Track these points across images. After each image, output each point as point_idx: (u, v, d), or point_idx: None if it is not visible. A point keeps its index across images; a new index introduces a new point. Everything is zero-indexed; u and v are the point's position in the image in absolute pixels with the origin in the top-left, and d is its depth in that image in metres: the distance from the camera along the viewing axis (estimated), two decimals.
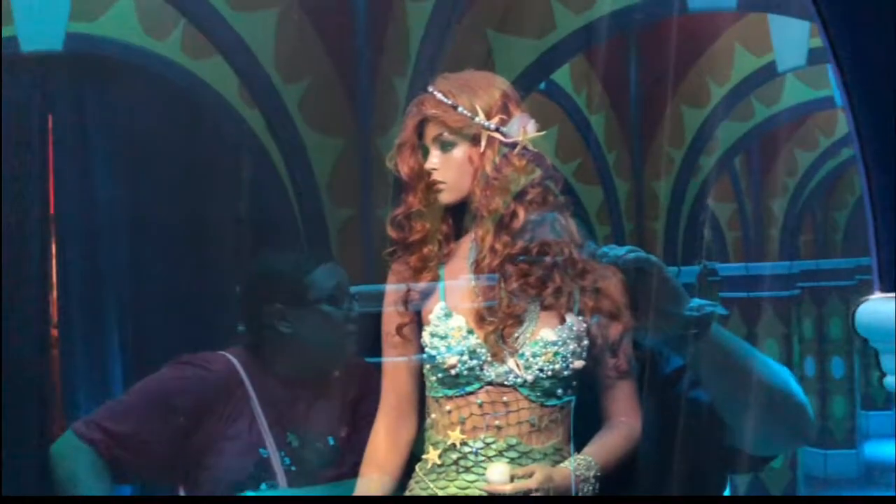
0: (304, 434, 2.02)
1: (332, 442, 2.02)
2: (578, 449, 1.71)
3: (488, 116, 1.77)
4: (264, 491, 1.97)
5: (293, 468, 1.99)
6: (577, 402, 1.76)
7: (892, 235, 0.90)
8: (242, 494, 1.96)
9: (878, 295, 0.96)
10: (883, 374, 1.04)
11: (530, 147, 1.77)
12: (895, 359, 1.00)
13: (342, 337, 2.06)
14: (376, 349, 1.85)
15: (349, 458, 1.83)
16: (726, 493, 1.92)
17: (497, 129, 1.76)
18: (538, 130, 1.79)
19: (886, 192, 0.90)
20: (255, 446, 1.99)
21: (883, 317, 0.99)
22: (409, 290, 1.79)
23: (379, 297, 1.85)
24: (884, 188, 0.90)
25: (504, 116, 1.77)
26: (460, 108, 1.77)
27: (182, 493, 2.02)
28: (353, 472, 1.78)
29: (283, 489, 1.97)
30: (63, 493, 2.12)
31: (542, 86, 4.30)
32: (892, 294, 0.96)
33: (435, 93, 1.80)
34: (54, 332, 3.53)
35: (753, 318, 7.28)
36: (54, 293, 3.64)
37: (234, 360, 2.05)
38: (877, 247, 0.91)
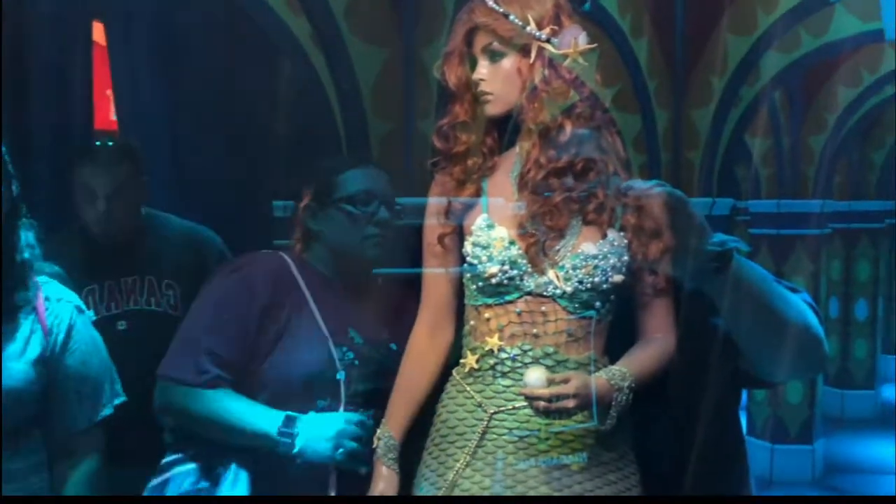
0: (365, 333, 2.00)
1: (394, 347, 1.97)
2: (613, 362, 1.74)
3: (540, 27, 1.75)
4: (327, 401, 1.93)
5: (356, 363, 1.96)
6: (614, 316, 1.79)
7: None
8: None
9: None
10: None
11: (581, 60, 1.76)
12: None
13: (363, 239, 1.99)
14: (418, 261, 1.87)
15: None
16: (743, 421, 1.95)
17: (548, 40, 1.75)
18: (589, 44, 1.77)
19: None
20: (321, 340, 1.95)
21: None
22: (451, 203, 1.80)
23: (419, 210, 1.86)
24: None
25: (556, 27, 1.75)
26: (512, 17, 1.75)
27: (260, 397, 1.95)
28: None
29: (344, 385, 1.94)
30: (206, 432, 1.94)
31: (587, 6, 4.22)
32: None
33: (486, 0, 1.78)
34: None
35: (782, 255, 7.24)
36: None
37: (287, 258, 2.04)
38: None
